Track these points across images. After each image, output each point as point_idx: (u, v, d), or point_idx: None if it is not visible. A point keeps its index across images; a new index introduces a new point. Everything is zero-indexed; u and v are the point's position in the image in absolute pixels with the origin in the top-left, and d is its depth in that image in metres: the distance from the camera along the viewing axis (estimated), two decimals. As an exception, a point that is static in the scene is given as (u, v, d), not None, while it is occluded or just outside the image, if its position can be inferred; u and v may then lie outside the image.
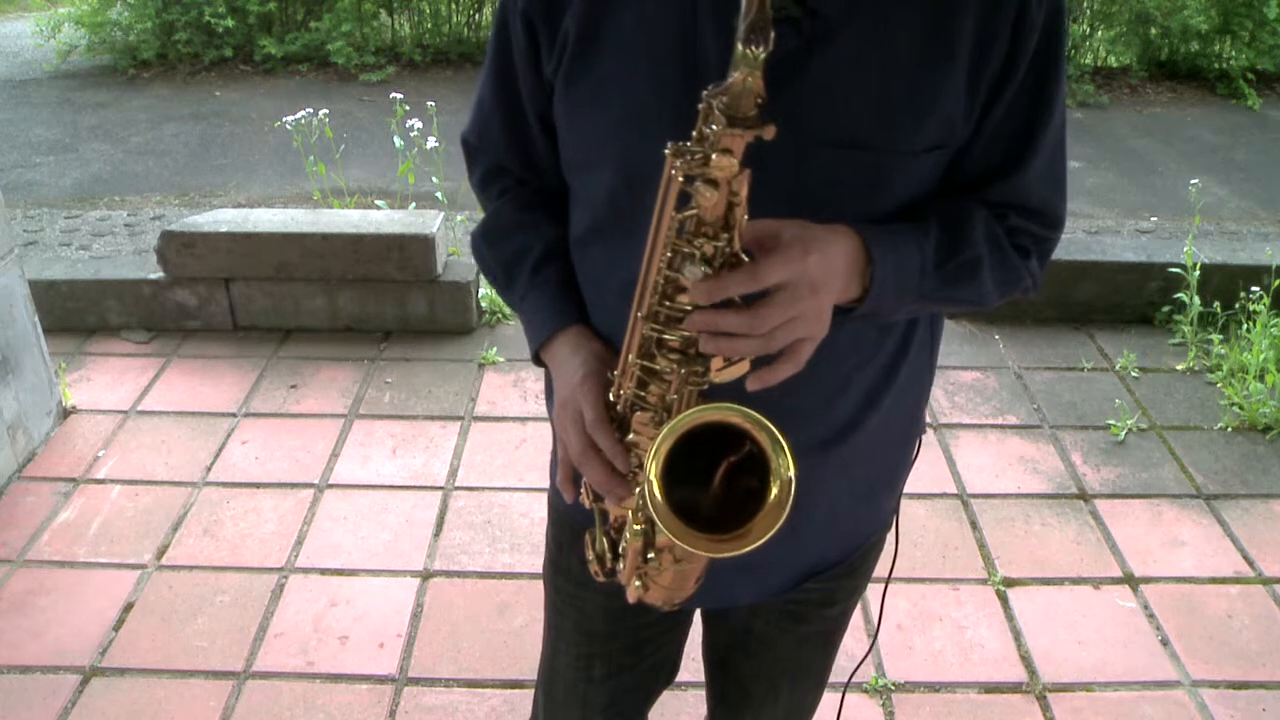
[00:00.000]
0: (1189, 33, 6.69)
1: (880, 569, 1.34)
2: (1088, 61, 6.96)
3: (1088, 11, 7.00)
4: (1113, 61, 7.14)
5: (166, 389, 3.10)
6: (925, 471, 2.76)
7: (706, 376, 0.88)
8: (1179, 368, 3.24)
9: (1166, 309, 3.41)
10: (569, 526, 1.19)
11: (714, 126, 0.78)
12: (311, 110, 4.01)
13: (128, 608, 2.31)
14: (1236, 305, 3.29)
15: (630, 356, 0.91)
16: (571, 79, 0.96)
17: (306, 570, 2.43)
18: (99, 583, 2.38)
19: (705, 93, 0.78)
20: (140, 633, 2.25)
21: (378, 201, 3.88)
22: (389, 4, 7.35)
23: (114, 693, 2.11)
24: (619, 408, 0.95)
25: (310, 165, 3.96)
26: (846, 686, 1.35)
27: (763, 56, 0.75)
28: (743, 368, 0.87)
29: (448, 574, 2.41)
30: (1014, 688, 2.14)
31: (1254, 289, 3.26)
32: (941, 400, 3.06)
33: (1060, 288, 3.44)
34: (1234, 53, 6.91)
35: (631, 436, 0.94)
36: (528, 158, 1.09)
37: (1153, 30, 6.87)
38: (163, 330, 3.38)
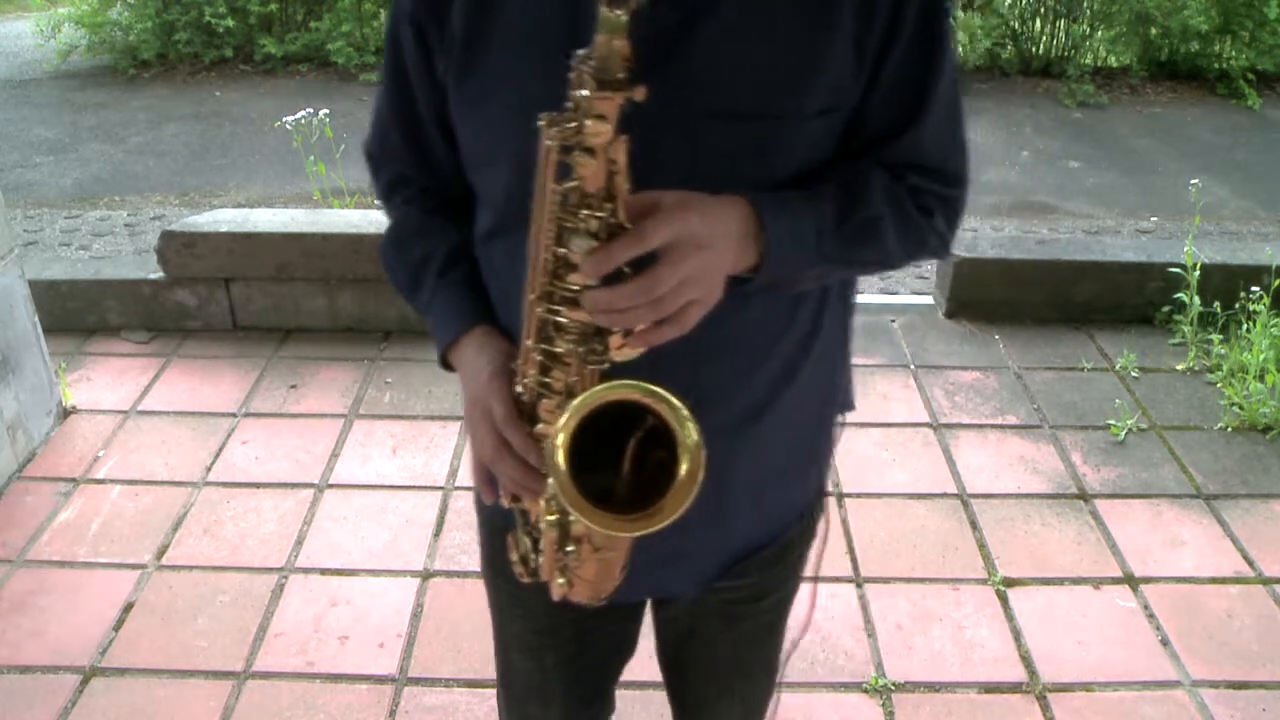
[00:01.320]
0: (1189, 33, 6.69)
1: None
2: (1088, 61, 6.96)
3: (1088, 11, 7.00)
4: (1113, 61, 7.14)
5: (166, 389, 3.10)
6: (925, 471, 2.76)
7: (606, 355, 0.87)
8: (1179, 368, 3.24)
9: (1166, 309, 3.41)
10: (497, 529, 1.18)
11: (584, 92, 0.77)
12: (311, 110, 4.01)
13: (128, 608, 2.31)
14: (1236, 305, 3.29)
15: (529, 342, 0.90)
16: (462, 78, 0.96)
17: (306, 570, 2.43)
18: (99, 583, 2.38)
19: (574, 60, 0.78)
20: (140, 633, 2.25)
21: (377, 201, 3.87)
22: (389, 4, 7.35)
23: (114, 693, 2.11)
24: (525, 399, 0.94)
25: (310, 165, 3.96)
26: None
27: (625, 18, 0.75)
28: (646, 344, 0.85)
29: (448, 574, 2.41)
30: (1014, 688, 2.14)
31: (1254, 289, 3.26)
32: (941, 400, 3.06)
33: (1060, 288, 3.44)
34: (1234, 53, 6.91)
35: (540, 427, 0.93)
36: (429, 164, 1.09)
37: (1153, 30, 6.87)
38: (163, 330, 3.38)
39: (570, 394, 0.88)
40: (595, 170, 0.80)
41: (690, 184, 0.87)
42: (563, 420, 0.85)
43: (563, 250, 0.84)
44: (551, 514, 0.95)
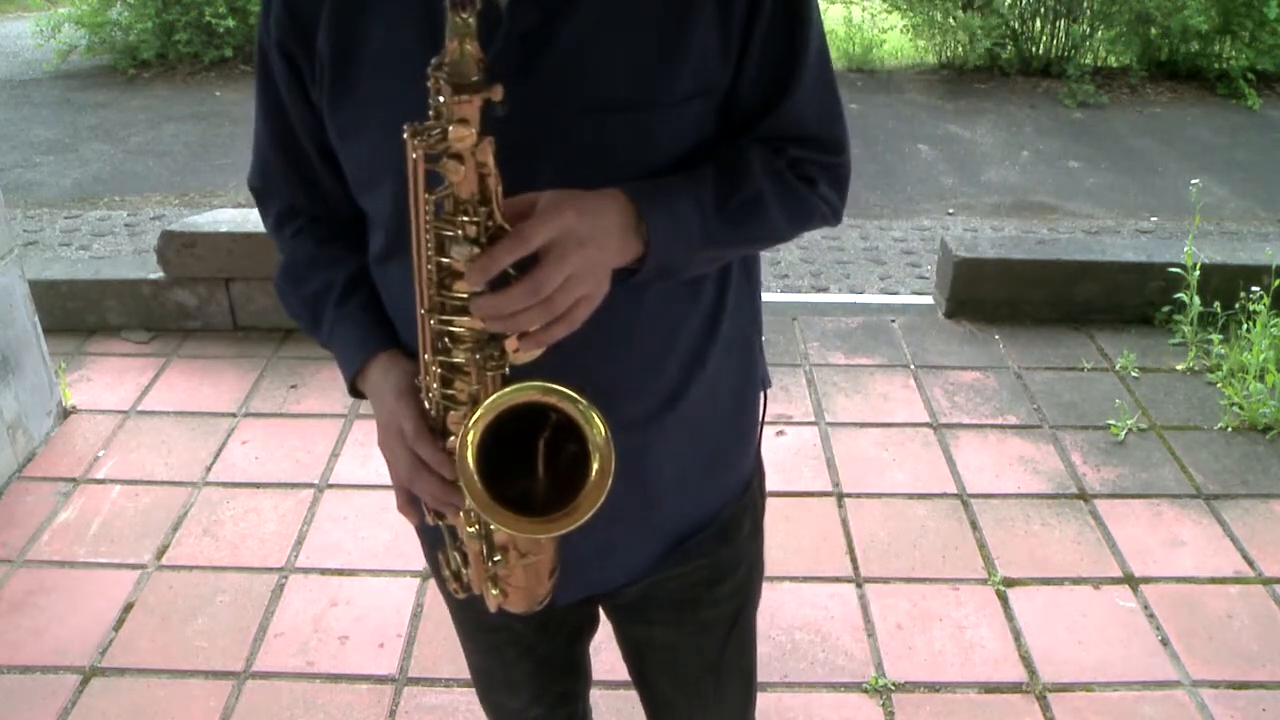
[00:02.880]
0: (1189, 33, 6.69)
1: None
2: (1088, 61, 6.97)
3: (1088, 11, 7.00)
4: (1113, 61, 7.15)
5: (166, 389, 3.10)
6: (925, 471, 2.76)
7: (504, 359, 0.87)
8: (1179, 368, 3.24)
9: (1166, 309, 3.41)
10: (432, 543, 1.17)
11: (443, 98, 0.77)
12: (311, 110, 4.01)
13: (128, 608, 2.31)
14: (1236, 305, 3.29)
15: (426, 356, 0.90)
16: (335, 102, 0.96)
17: (306, 570, 2.43)
18: (99, 583, 2.38)
19: (429, 68, 0.78)
20: (140, 633, 2.25)
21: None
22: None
23: (114, 693, 2.11)
24: (434, 414, 0.94)
25: (310, 165, 3.95)
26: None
27: (471, 21, 0.75)
28: (540, 345, 0.85)
29: (448, 574, 2.41)
30: (1014, 688, 2.14)
31: (1254, 289, 3.26)
32: (941, 400, 3.06)
33: (1060, 288, 3.44)
34: (1234, 53, 6.91)
35: (451, 440, 0.92)
36: (315, 193, 1.08)
37: (1153, 30, 6.87)
38: (163, 330, 3.38)
39: (475, 402, 0.88)
40: (465, 175, 0.80)
41: (571, 180, 0.87)
42: (467, 428, 0.85)
43: (445, 259, 0.84)
44: (472, 525, 0.95)
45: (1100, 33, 6.97)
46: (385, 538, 2.52)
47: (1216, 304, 3.29)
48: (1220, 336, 3.27)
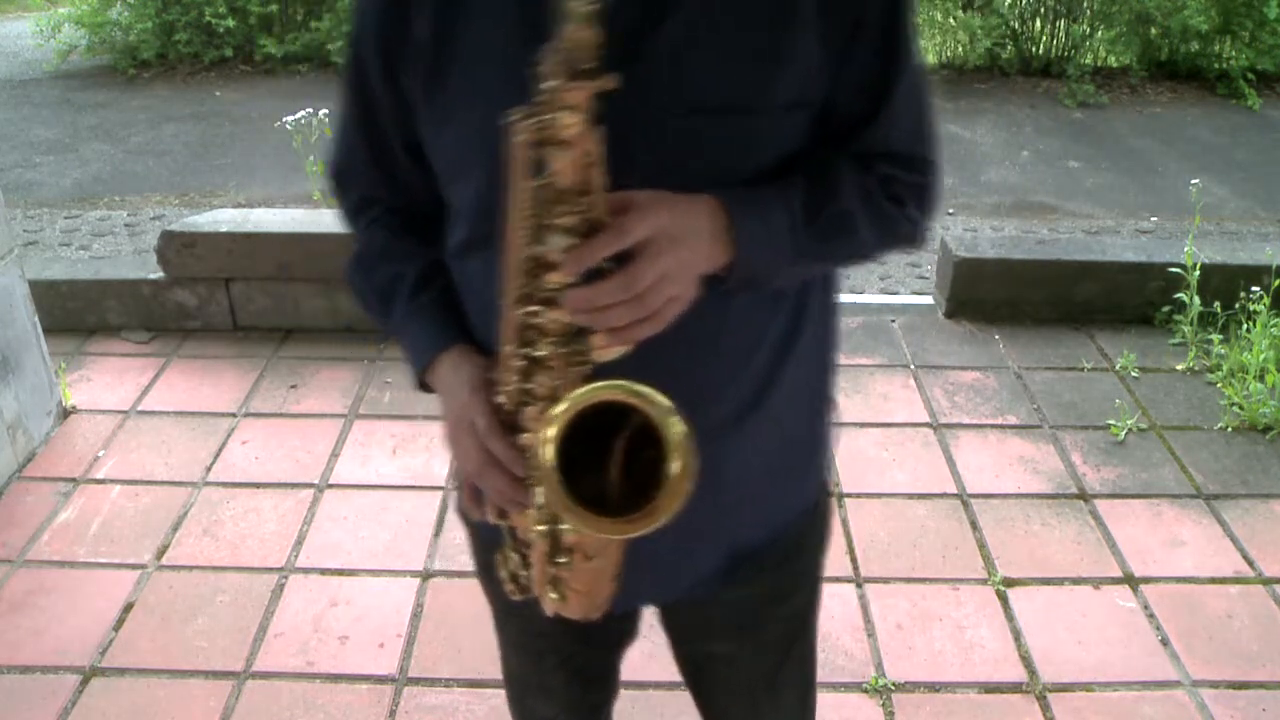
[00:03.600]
0: (1189, 33, 6.69)
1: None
2: (1088, 61, 6.96)
3: (1088, 11, 7.00)
4: (1113, 61, 7.14)
5: (166, 389, 3.10)
6: (925, 471, 2.76)
7: (589, 356, 0.86)
8: (1179, 368, 3.24)
9: (1166, 309, 3.41)
10: (485, 543, 1.16)
11: (554, 84, 0.76)
12: (311, 110, 4.01)
13: (128, 608, 2.31)
14: (1236, 305, 3.29)
15: (508, 348, 0.89)
16: (430, 92, 0.95)
17: (306, 570, 2.43)
18: (99, 583, 2.38)
19: (541, 52, 0.77)
20: (140, 633, 2.25)
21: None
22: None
23: (114, 693, 2.11)
24: (507, 409, 0.93)
25: (310, 165, 3.96)
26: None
27: (588, 8, 0.74)
28: (626, 342, 0.85)
29: (448, 574, 2.41)
30: (1014, 688, 2.14)
31: (1254, 289, 3.26)
32: (941, 400, 3.06)
33: (1060, 288, 3.44)
34: (1234, 53, 6.91)
35: (525, 436, 0.92)
36: (394, 184, 1.08)
37: (1153, 30, 6.87)
38: (163, 330, 3.38)
39: (554, 398, 0.87)
40: (569, 164, 0.79)
41: (660, 180, 0.87)
42: (551, 423, 0.84)
43: (540, 249, 0.83)
44: (541, 524, 0.93)
45: (1100, 33, 6.97)
46: (385, 538, 2.52)
47: (1216, 304, 3.29)
48: (1220, 336, 3.27)
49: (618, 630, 1.29)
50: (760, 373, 1.02)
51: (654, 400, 0.84)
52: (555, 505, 0.84)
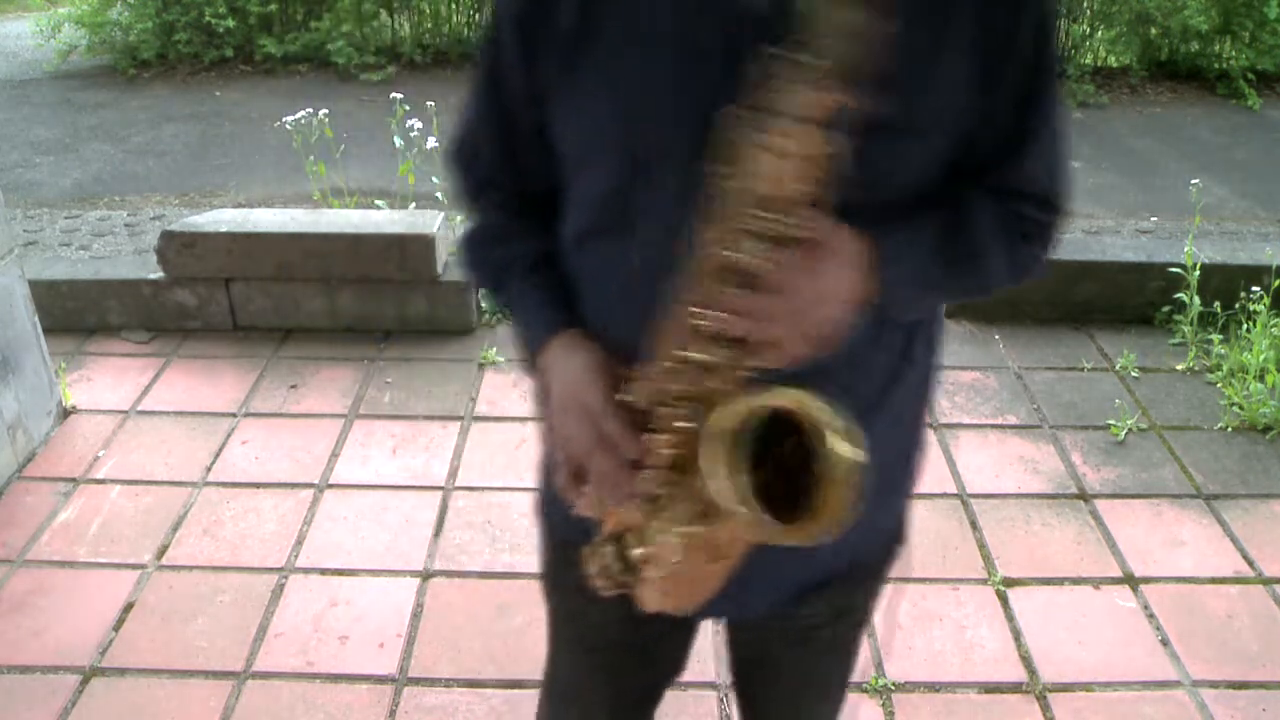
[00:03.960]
0: (1189, 33, 6.69)
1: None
2: (1088, 61, 6.96)
3: (1088, 11, 6.99)
4: (1113, 61, 7.14)
5: (166, 389, 3.10)
6: (925, 471, 2.75)
7: (748, 363, 0.86)
8: (1179, 368, 3.24)
9: (1166, 309, 3.41)
10: (565, 542, 1.16)
11: (793, 86, 0.75)
12: (311, 110, 4.01)
13: (128, 608, 2.31)
14: (1236, 305, 3.29)
15: (669, 347, 0.89)
16: (568, 75, 0.95)
17: (306, 570, 2.43)
18: (99, 583, 2.38)
19: (776, 51, 0.76)
20: (140, 633, 2.25)
21: (378, 201, 3.88)
22: (389, 4, 7.34)
23: (114, 693, 2.11)
24: (636, 404, 0.93)
25: (310, 165, 3.96)
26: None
27: (868, 21, 0.74)
28: (782, 360, 0.86)
29: (448, 574, 2.41)
30: (1014, 688, 2.14)
31: (1254, 289, 3.26)
32: (941, 400, 3.06)
33: (1060, 288, 3.44)
34: (1234, 53, 6.91)
35: (654, 438, 0.91)
36: (516, 168, 1.08)
37: (1153, 30, 6.87)
38: (163, 330, 3.38)
39: (704, 401, 0.87)
40: (786, 174, 0.78)
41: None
42: (721, 422, 0.84)
43: (735, 255, 0.83)
44: (675, 525, 0.92)
45: (1100, 33, 6.97)
46: (385, 538, 2.52)
47: (1216, 304, 3.29)
48: (1220, 336, 3.27)
49: (670, 656, 1.30)
50: (867, 396, 1.02)
51: (825, 410, 0.84)
52: (727, 504, 0.83)
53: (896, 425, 1.08)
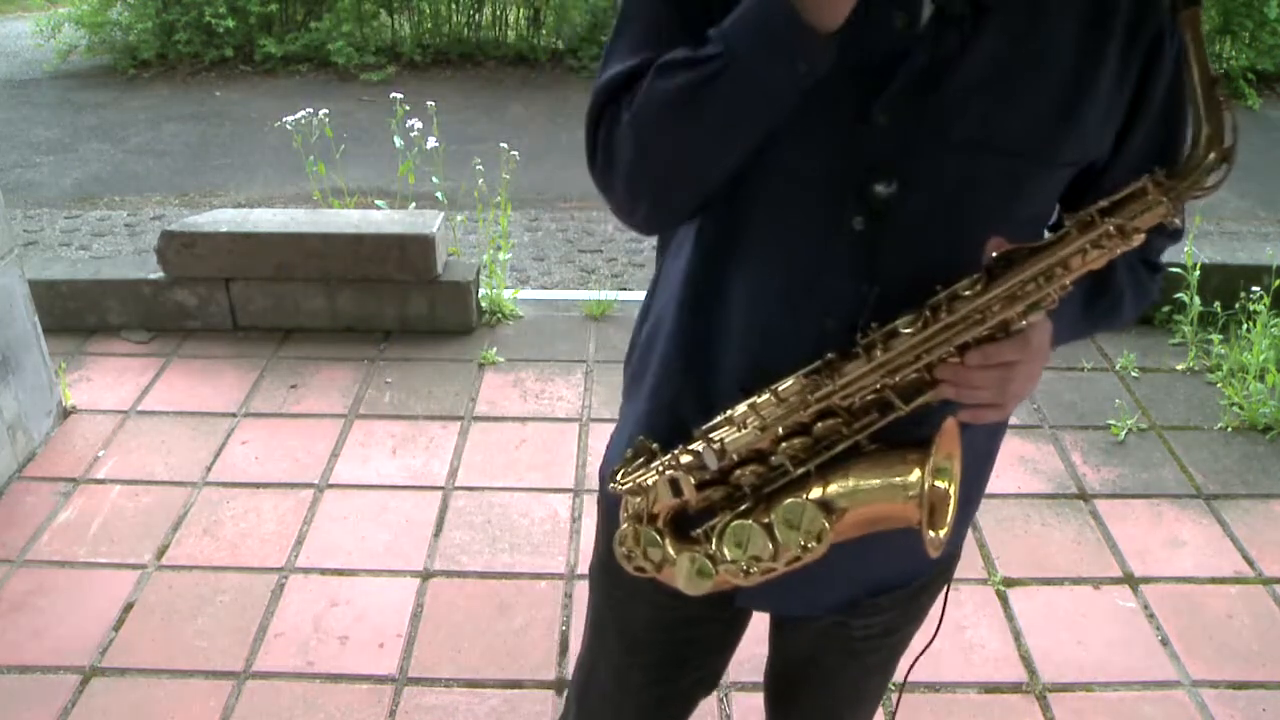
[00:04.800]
0: (1189, 33, 6.68)
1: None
2: (1088, 61, 6.96)
3: (1088, 11, 6.99)
4: (1113, 61, 7.14)
5: (166, 389, 3.10)
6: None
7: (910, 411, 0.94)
8: (1179, 368, 3.24)
9: (1166, 309, 3.41)
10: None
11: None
12: (311, 110, 4.01)
13: (128, 608, 2.31)
14: (1236, 305, 3.29)
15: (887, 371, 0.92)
16: None
17: (306, 570, 2.43)
18: (99, 583, 2.38)
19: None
20: (140, 633, 2.25)
21: (378, 201, 3.88)
22: (389, 4, 7.35)
23: (114, 693, 2.11)
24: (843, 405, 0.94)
25: (310, 165, 3.96)
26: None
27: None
28: (977, 420, 0.96)
29: (448, 574, 2.41)
30: (1014, 688, 2.14)
31: (1254, 289, 3.26)
32: (941, 400, 3.06)
33: (1060, 288, 3.44)
34: (1234, 53, 6.91)
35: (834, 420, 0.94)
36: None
37: (1153, 30, 6.86)
38: (163, 330, 3.38)
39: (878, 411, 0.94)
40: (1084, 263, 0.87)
41: (925, 209, 0.90)
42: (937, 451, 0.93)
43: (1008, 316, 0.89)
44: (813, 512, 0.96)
45: (1100, 33, 6.97)
46: (385, 538, 2.52)
47: (1216, 304, 3.29)
48: (1220, 336, 3.27)
49: (709, 663, 1.30)
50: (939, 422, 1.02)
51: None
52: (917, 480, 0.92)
53: (975, 449, 1.09)
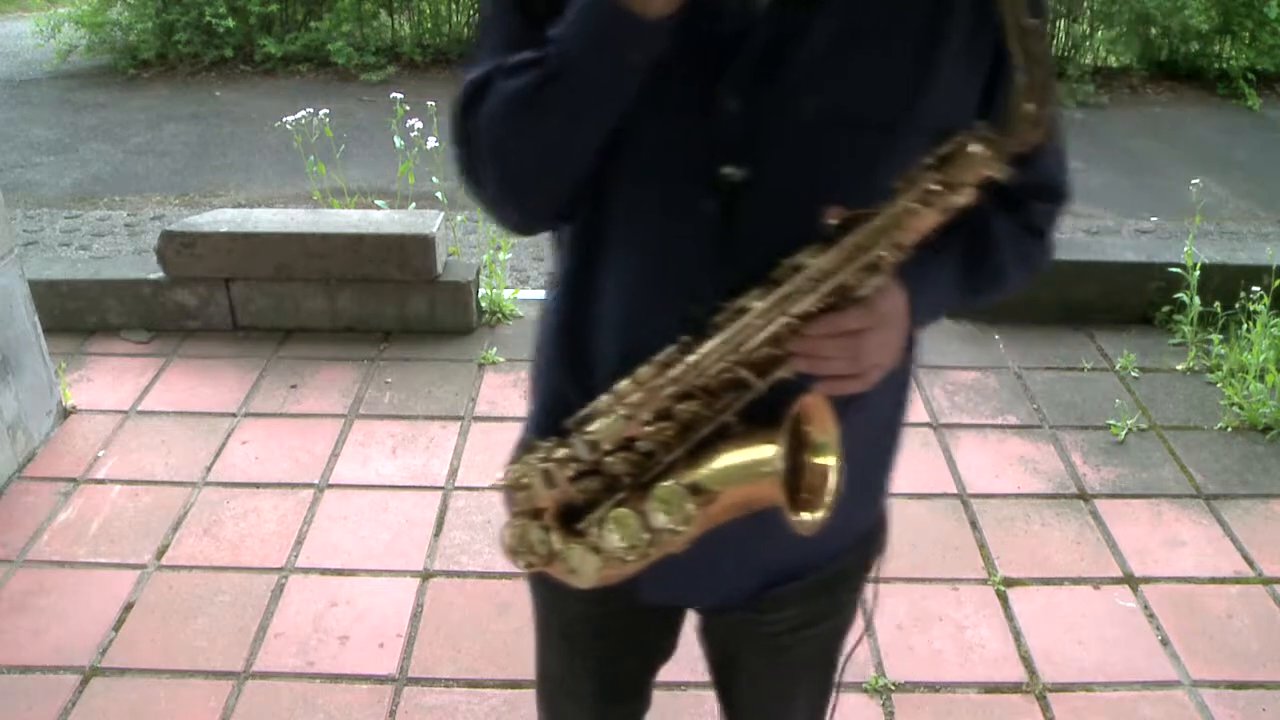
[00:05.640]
0: (1189, 33, 6.69)
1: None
2: (1088, 61, 6.96)
3: (1088, 11, 7.00)
4: (1113, 61, 7.14)
5: (166, 389, 3.10)
6: (925, 471, 2.76)
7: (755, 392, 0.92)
8: (1179, 368, 3.24)
9: (1166, 309, 3.41)
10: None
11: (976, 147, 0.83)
12: (311, 110, 4.01)
13: (128, 608, 2.31)
14: (1236, 305, 3.29)
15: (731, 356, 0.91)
16: None
17: (306, 570, 2.43)
18: (99, 583, 2.38)
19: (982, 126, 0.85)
20: (140, 633, 2.25)
21: (378, 201, 3.87)
22: (389, 4, 7.35)
23: (114, 693, 2.11)
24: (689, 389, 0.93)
25: (310, 165, 3.96)
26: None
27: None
28: (836, 392, 0.94)
29: (448, 574, 2.41)
30: (1014, 688, 2.14)
31: (1254, 289, 3.26)
32: (941, 400, 3.06)
33: (1060, 288, 3.44)
34: (1234, 53, 6.91)
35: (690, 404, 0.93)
36: None
37: (1153, 30, 6.87)
38: (163, 330, 3.38)
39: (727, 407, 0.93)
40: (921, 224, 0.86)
41: (786, 188, 0.90)
42: (794, 420, 0.91)
43: (853, 282, 0.88)
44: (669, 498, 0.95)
45: (1100, 33, 6.97)
46: (385, 538, 2.52)
47: (1216, 304, 3.29)
48: (1220, 336, 3.26)
49: (654, 644, 1.29)
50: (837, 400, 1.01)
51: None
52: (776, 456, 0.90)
53: (863, 429, 1.06)
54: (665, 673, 1.37)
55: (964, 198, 0.85)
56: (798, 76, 0.88)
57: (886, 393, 1.05)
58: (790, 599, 1.14)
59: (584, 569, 1.00)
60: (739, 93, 0.88)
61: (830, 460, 0.94)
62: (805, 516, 0.93)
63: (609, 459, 0.95)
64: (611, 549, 0.96)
